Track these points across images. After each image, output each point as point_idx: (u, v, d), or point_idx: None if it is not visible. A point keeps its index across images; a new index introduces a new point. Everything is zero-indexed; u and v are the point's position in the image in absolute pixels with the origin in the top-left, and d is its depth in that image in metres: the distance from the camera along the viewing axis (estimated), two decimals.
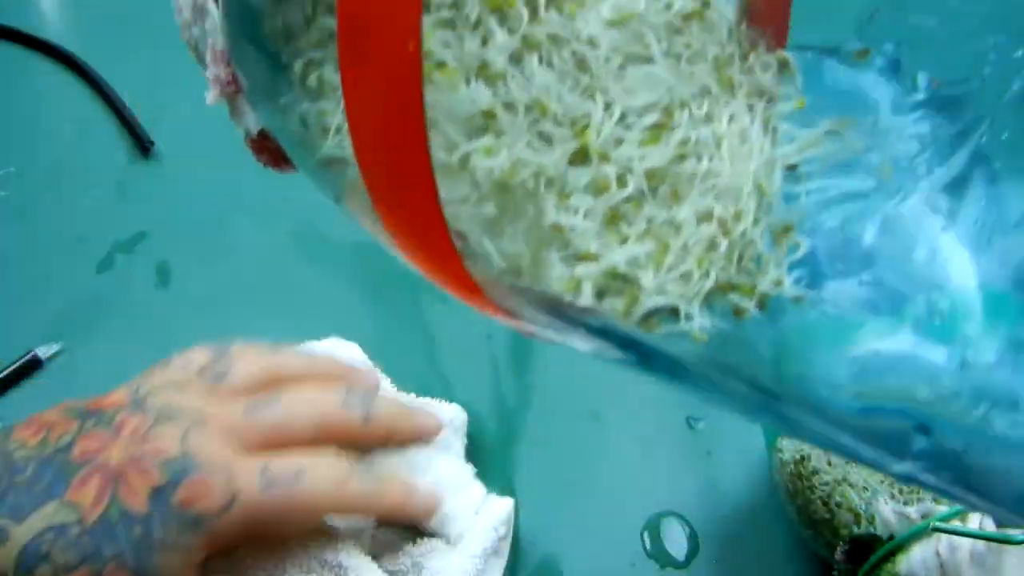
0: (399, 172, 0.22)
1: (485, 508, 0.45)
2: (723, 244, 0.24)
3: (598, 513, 0.49)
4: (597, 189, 0.24)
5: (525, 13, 0.24)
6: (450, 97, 0.23)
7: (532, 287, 0.24)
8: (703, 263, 0.24)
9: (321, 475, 0.38)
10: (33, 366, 0.56)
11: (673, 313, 0.24)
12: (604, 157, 0.24)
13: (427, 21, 0.24)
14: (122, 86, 0.73)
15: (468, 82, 0.24)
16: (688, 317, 0.24)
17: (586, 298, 0.24)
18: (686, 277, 0.24)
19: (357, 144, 0.22)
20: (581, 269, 0.24)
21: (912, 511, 0.38)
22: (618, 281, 0.24)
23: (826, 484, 0.42)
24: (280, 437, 0.39)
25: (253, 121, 0.27)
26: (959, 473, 0.22)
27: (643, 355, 0.24)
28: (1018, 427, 0.21)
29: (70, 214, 0.66)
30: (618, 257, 0.24)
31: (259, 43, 0.26)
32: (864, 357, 0.23)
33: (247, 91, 0.26)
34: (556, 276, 0.24)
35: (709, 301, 0.24)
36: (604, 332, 0.24)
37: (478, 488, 0.46)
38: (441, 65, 0.24)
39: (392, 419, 0.42)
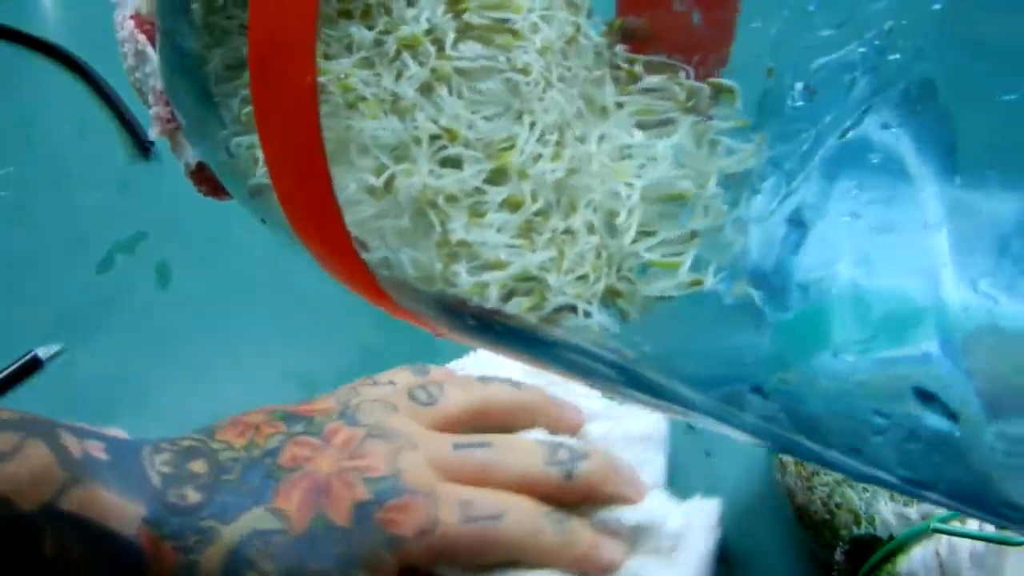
0: (307, 191, 0.25)
1: (695, 512, 0.45)
2: (603, 254, 0.26)
3: None
4: (513, 205, 0.26)
5: (432, 49, 0.27)
6: (373, 125, 0.26)
7: (440, 293, 0.26)
8: (596, 268, 0.26)
9: (518, 519, 0.39)
10: (33, 366, 0.57)
11: (573, 311, 0.26)
12: (523, 174, 0.26)
13: (349, 62, 0.27)
14: (122, 86, 0.73)
15: (385, 114, 0.26)
16: (587, 314, 0.26)
17: (492, 300, 0.26)
18: (583, 279, 0.26)
19: (271, 168, 0.25)
20: (488, 275, 0.26)
21: (912, 512, 0.38)
22: (526, 283, 0.26)
23: (826, 485, 0.41)
24: (484, 479, 0.40)
25: (191, 155, 0.29)
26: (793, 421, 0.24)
27: (543, 349, 0.27)
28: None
29: (70, 214, 0.67)
30: (529, 261, 0.26)
31: (194, 83, 0.28)
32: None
33: (185, 128, 0.29)
34: (463, 283, 0.26)
35: (605, 303, 0.26)
36: (505, 331, 0.27)
37: (678, 510, 0.45)
38: (362, 99, 0.26)
39: (594, 482, 0.42)
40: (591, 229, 0.26)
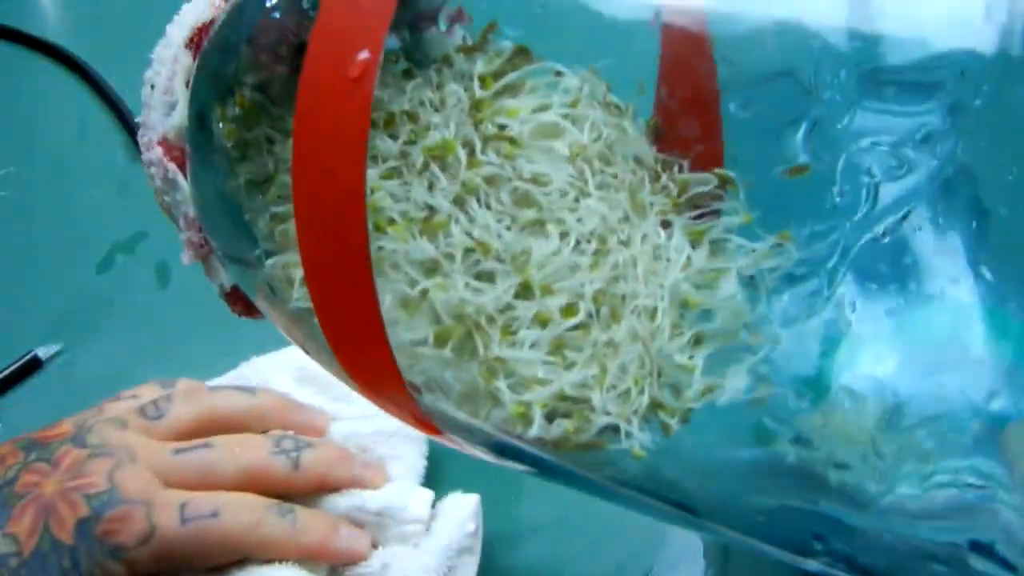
0: (354, 325, 0.25)
1: (448, 506, 0.46)
2: (647, 362, 0.26)
3: (592, 513, 0.48)
4: (542, 321, 0.26)
5: (463, 157, 0.26)
6: (403, 246, 0.26)
7: (482, 418, 0.27)
8: (639, 381, 0.26)
9: (234, 514, 0.39)
10: (33, 366, 0.56)
11: (616, 432, 0.26)
12: (546, 290, 0.26)
13: (376, 172, 0.27)
14: (122, 86, 0.73)
15: (414, 236, 0.26)
16: (628, 435, 0.26)
17: (537, 423, 0.26)
18: (625, 396, 0.26)
19: (315, 301, 0.25)
20: (529, 395, 0.26)
21: None
22: (567, 403, 0.26)
23: None
24: (205, 480, 0.41)
25: (226, 277, 0.29)
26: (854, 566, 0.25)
27: (585, 482, 0.27)
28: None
29: (70, 214, 0.66)
30: (567, 380, 0.26)
31: (224, 207, 0.28)
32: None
33: (217, 251, 0.29)
34: (507, 401, 0.26)
35: (647, 419, 0.26)
36: (549, 464, 0.27)
37: (425, 495, 0.46)
38: (392, 222, 0.26)
39: (324, 467, 0.43)
40: (636, 337, 0.26)
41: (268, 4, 0.28)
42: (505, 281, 0.26)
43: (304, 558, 0.41)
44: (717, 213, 0.28)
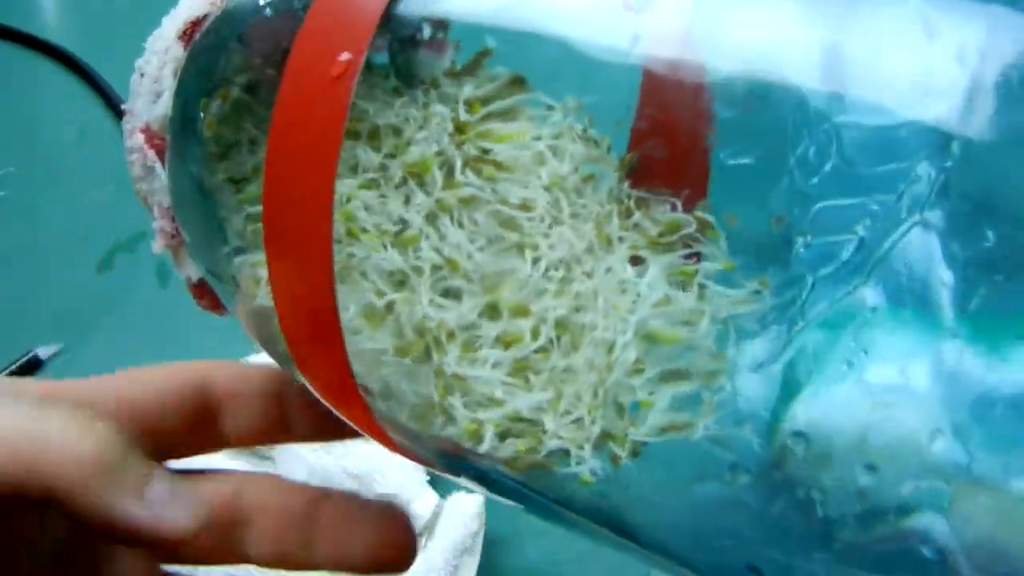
0: (312, 330, 0.25)
1: (452, 505, 0.46)
2: (600, 393, 0.26)
3: None
4: (506, 342, 0.26)
5: (440, 177, 0.27)
6: (373, 255, 0.26)
7: (435, 432, 0.27)
8: (592, 410, 0.26)
9: None
10: (33, 366, 0.57)
11: (566, 455, 0.26)
12: (520, 311, 0.26)
13: (354, 182, 0.27)
14: (122, 86, 0.70)
15: (385, 247, 0.26)
16: (579, 460, 0.26)
17: (487, 441, 0.26)
18: (579, 423, 0.26)
19: (279, 308, 0.25)
20: (483, 413, 0.26)
21: None
22: (521, 424, 0.26)
23: None
24: None
25: (193, 270, 0.29)
26: None
27: (532, 497, 0.27)
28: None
29: (70, 214, 0.67)
30: (522, 402, 0.26)
31: (199, 200, 0.29)
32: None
33: (188, 244, 0.29)
34: (460, 418, 0.26)
35: (598, 446, 0.26)
36: (494, 478, 0.27)
37: (430, 496, 0.46)
38: (364, 230, 0.26)
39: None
40: (591, 367, 0.26)
41: (261, 2, 0.28)
42: (471, 300, 0.26)
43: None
44: (695, 256, 0.28)
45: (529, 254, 0.27)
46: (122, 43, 0.74)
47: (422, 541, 0.45)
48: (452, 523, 0.46)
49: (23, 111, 0.77)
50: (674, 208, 0.28)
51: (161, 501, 0.27)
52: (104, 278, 0.64)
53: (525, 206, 0.27)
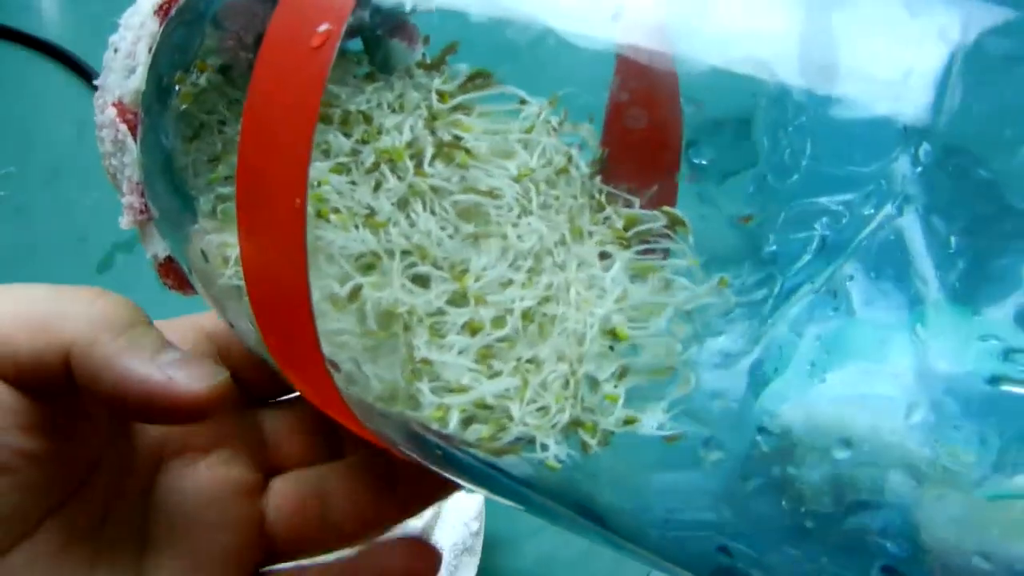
0: (283, 310, 0.25)
1: (453, 505, 0.46)
2: (571, 383, 0.26)
3: None
4: (472, 329, 0.26)
5: (411, 164, 0.26)
6: (343, 236, 0.26)
7: (402, 414, 0.26)
8: (559, 399, 0.26)
9: None
10: None
11: (531, 443, 0.26)
12: (480, 300, 0.26)
13: (325, 166, 0.27)
14: None
15: (357, 227, 0.26)
16: (544, 448, 0.26)
17: (453, 426, 0.26)
18: (544, 411, 0.26)
19: (248, 280, 0.25)
20: (449, 399, 0.26)
21: None
22: (485, 411, 0.26)
23: None
24: None
25: (161, 247, 0.29)
26: None
27: (497, 480, 0.27)
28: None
29: (70, 214, 0.66)
30: (487, 389, 0.26)
31: (170, 177, 0.29)
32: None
33: (157, 220, 0.29)
34: (426, 403, 0.26)
35: (566, 434, 0.26)
36: (462, 459, 0.27)
37: None
38: (335, 210, 0.26)
39: None
40: (562, 358, 0.26)
41: None
42: (439, 287, 0.26)
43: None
44: (664, 252, 0.28)
45: (495, 244, 0.27)
46: None
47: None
48: (452, 523, 0.46)
49: (22, 111, 0.76)
50: (629, 204, 0.28)
51: (174, 363, 0.26)
52: (104, 278, 0.63)
53: (491, 194, 0.27)
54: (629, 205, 0.29)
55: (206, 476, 0.31)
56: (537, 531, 0.50)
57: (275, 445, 0.33)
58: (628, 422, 0.27)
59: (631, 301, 0.27)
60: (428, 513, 0.46)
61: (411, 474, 0.31)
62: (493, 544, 0.49)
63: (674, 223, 0.28)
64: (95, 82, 0.29)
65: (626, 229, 0.28)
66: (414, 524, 0.46)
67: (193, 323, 0.32)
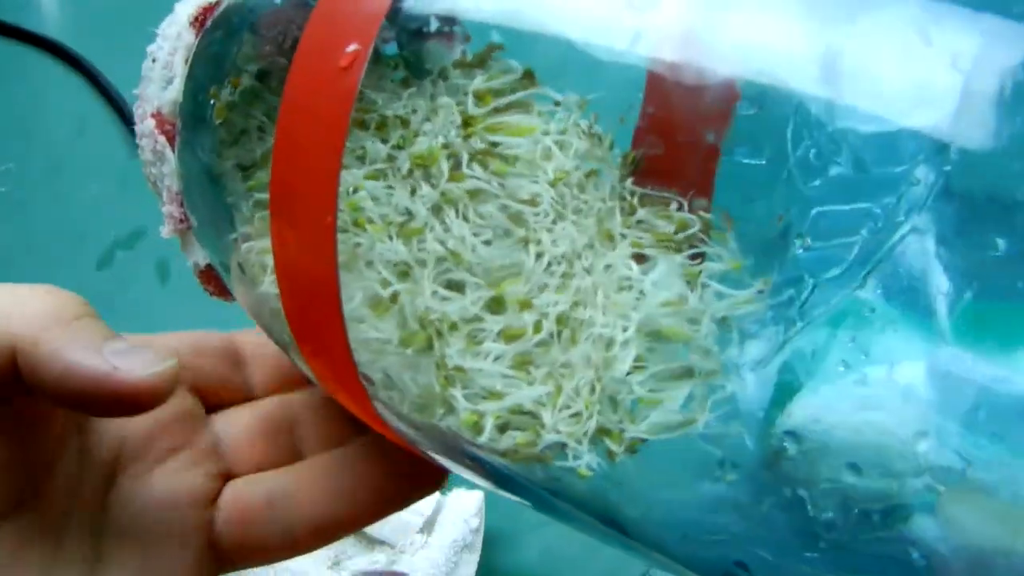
0: (316, 318, 0.25)
1: (453, 502, 0.46)
2: (597, 389, 0.27)
3: None
4: (510, 336, 0.26)
5: (446, 168, 0.27)
6: (379, 245, 0.26)
7: (435, 420, 0.27)
8: (589, 405, 0.27)
9: None
10: None
11: (563, 450, 0.26)
12: (526, 304, 0.26)
13: (361, 172, 0.27)
14: (122, 82, 0.73)
15: (391, 237, 0.26)
16: (576, 455, 0.26)
17: (486, 435, 0.26)
18: (577, 417, 0.27)
19: (283, 289, 0.25)
20: (484, 405, 0.26)
21: None
22: (522, 417, 0.26)
23: None
24: None
25: (202, 256, 0.30)
26: None
27: (528, 489, 0.27)
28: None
29: (70, 210, 0.67)
30: (524, 395, 0.26)
31: (209, 185, 0.29)
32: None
33: (196, 229, 0.29)
34: (460, 410, 0.26)
35: (594, 441, 0.27)
36: (496, 470, 0.27)
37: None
38: (370, 221, 0.26)
39: None
40: (589, 362, 0.27)
41: None
42: (474, 293, 0.26)
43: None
44: (700, 256, 0.28)
45: (533, 249, 0.27)
46: (121, 38, 0.74)
47: (423, 538, 0.46)
48: (452, 520, 0.46)
49: (22, 107, 0.76)
50: (680, 207, 0.28)
51: (119, 352, 0.26)
52: (104, 274, 0.64)
53: (532, 201, 0.27)
54: (679, 208, 0.29)
55: (161, 485, 0.30)
56: (537, 528, 0.50)
57: (234, 450, 0.32)
58: (661, 428, 0.27)
59: (679, 305, 0.28)
60: (428, 509, 0.46)
61: (375, 481, 0.31)
62: (493, 541, 0.49)
63: (707, 227, 0.28)
64: (135, 92, 0.30)
65: (677, 232, 0.28)
66: (414, 521, 0.46)
67: (161, 341, 0.32)
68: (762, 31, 0.27)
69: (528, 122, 0.28)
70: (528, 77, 0.28)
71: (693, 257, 0.28)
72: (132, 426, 0.30)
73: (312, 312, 0.25)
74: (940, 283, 0.24)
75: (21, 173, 0.69)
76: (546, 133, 0.28)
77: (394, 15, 0.25)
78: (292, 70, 0.24)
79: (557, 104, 0.28)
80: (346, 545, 0.46)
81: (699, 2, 0.27)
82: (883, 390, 0.24)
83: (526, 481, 0.27)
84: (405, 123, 0.28)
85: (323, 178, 0.23)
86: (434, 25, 0.28)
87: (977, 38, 0.24)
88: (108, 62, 0.75)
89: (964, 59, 0.24)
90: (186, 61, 0.29)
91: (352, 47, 0.24)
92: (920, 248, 0.24)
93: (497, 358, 0.26)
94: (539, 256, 0.27)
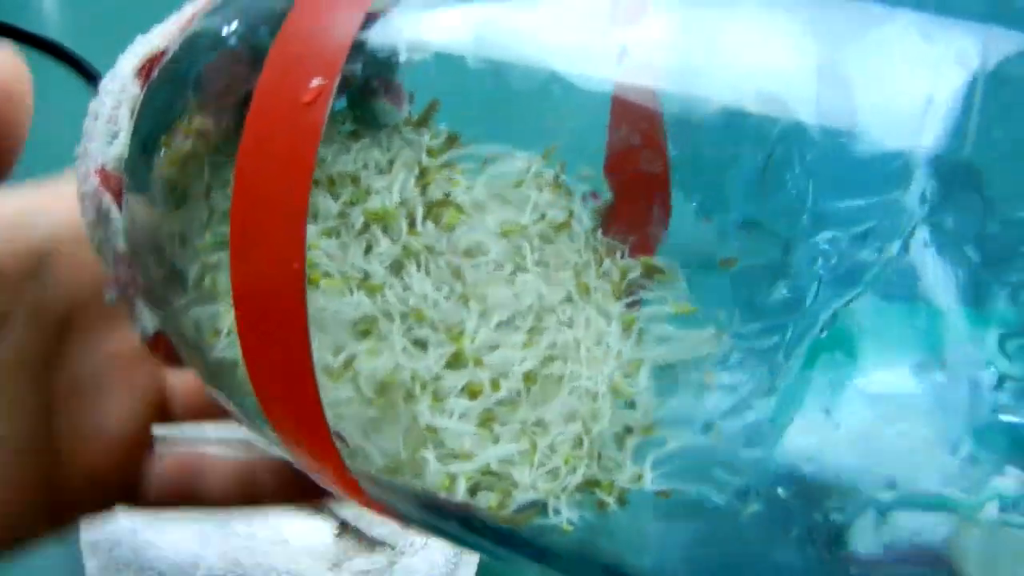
0: (284, 378, 0.24)
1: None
2: (585, 442, 0.26)
3: None
4: (472, 393, 0.25)
5: (404, 225, 0.26)
6: (336, 302, 0.25)
7: (409, 484, 0.26)
8: (569, 460, 0.26)
9: None
10: None
11: (544, 507, 0.26)
12: (477, 361, 0.26)
13: (314, 230, 0.26)
14: None
15: (351, 291, 0.25)
16: (556, 511, 0.26)
17: (460, 494, 0.25)
18: (554, 473, 0.26)
19: (245, 350, 0.24)
20: (455, 466, 0.25)
21: None
22: (491, 477, 0.26)
23: None
24: None
25: (149, 322, 0.28)
26: None
27: (515, 547, 0.26)
28: None
29: None
30: (491, 455, 0.25)
31: (156, 248, 0.27)
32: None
33: (144, 293, 0.28)
34: (432, 472, 0.25)
35: (578, 495, 0.26)
36: (477, 527, 0.26)
37: None
38: (327, 275, 0.25)
39: None
40: (572, 417, 0.26)
41: (223, 32, 0.27)
42: (437, 350, 0.25)
43: None
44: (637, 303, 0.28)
45: (476, 304, 0.26)
46: (122, 40, 0.73)
47: (423, 538, 0.45)
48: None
49: None
50: (622, 255, 0.28)
51: None
52: None
53: (471, 253, 0.26)
54: (622, 255, 0.28)
55: (113, 340, 0.32)
56: None
57: None
58: (636, 478, 0.26)
59: (624, 356, 0.27)
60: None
61: None
62: None
63: (650, 271, 0.27)
64: (76, 151, 0.28)
65: (621, 280, 0.28)
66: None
67: None
68: (751, 52, 0.26)
69: (474, 178, 0.28)
70: (451, 140, 0.28)
71: (632, 304, 0.27)
72: (87, 282, 0.31)
73: (279, 373, 0.24)
74: (942, 299, 0.23)
75: (21, 175, 0.67)
76: (500, 188, 0.27)
77: (359, 47, 0.24)
78: (252, 109, 0.23)
79: (514, 157, 0.28)
80: (346, 546, 0.46)
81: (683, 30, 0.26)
82: (875, 426, 0.24)
83: (514, 541, 0.26)
84: (355, 180, 0.27)
85: (289, 220, 0.22)
86: (404, 54, 0.27)
87: (975, 48, 0.23)
88: (108, 62, 0.72)
89: (962, 70, 0.23)
90: (132, 114, 0.27)
91: (316, 81, 0.23)
92: (919, 263, 0.24)
93: (462, 415, 0.25)
94: (498, 310, 0.26)
